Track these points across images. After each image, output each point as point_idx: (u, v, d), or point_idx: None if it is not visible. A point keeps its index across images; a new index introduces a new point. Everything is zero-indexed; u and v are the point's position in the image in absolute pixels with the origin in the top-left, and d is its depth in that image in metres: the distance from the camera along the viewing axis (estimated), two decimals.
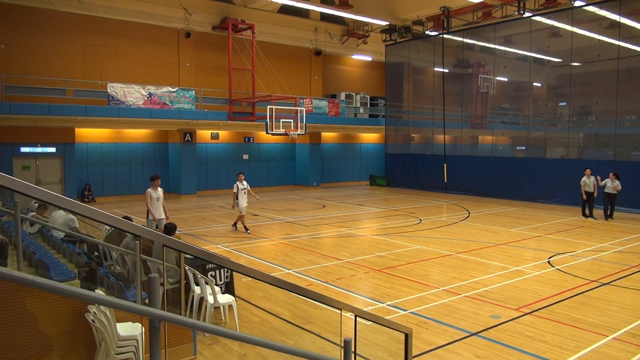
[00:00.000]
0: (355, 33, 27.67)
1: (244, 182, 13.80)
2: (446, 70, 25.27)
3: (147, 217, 11.03)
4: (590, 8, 19.70)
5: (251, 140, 25.77)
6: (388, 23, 26.04)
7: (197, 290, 6.80)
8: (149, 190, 10.93)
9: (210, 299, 6.57)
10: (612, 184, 15.88)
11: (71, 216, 8.94)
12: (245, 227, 14.02)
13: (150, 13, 21.29)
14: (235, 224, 14.36)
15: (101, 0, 19.89)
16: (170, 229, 7.57)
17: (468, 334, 6.53)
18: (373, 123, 28.84)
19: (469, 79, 25.78)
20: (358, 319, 4.23)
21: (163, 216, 11.03)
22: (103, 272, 5.94)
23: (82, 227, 9.47)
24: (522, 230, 14.47)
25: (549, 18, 21.04)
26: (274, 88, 22.98)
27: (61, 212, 9.09)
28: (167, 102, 20.76)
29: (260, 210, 18.44)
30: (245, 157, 25.74)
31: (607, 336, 6.45)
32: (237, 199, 13.55)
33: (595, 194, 16.26)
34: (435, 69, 25.90)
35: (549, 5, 21.70)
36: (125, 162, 22.09)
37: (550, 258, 10.87)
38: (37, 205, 10.05)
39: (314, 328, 6.79)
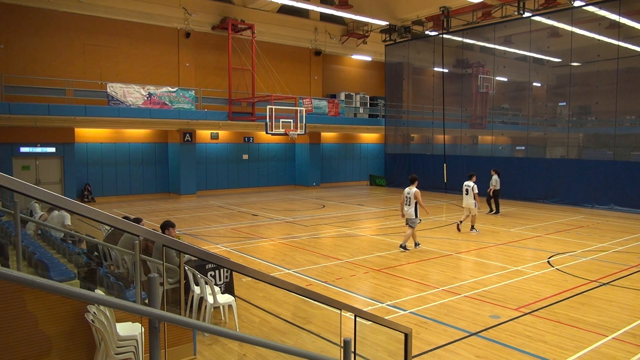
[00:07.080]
0: (355, 33, 27.67)
1: None
2: (446, 70, 25.25)
3: (416, 216, 11.46)
4: (590, 8, 19.69)
5: (251, 140, 25.77)
6: (388, 23, 26.03)
7: (196, 290, 6.80)
8: (417, 190, 11.42)
9: (210, 299, 6.56)
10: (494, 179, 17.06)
11: (65, 214, 8.96)
12: (473, 226, 13.97)
13: (149, 13, 21.28)
14: (459, 226, 14.12)
15: (101, 0, 19.89)
16: (164, 226, 7.35)
17: (468, 334, 6.53)
18: (373, 123, 28.83)
19: (469, 79, 25.77)
20: (358, 319, 4.23)
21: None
22: (102, 272, 5.94)
23: (81, 228, 9.48)
24: (522, 230, 14.47)
25: (548, 18, 21.03)
26: (274, 88, 22.98)
27: (56, 212, 9.13)
28: (167, 102, 20.74)
29: (260, 210, 18.45)
30: (245, 157, 25.75)
31: (607, 336, 6.45)
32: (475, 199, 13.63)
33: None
34: (435, 69, 25.89)
35: (549, 5, 21.69)
36: (125, 162, 22.08)
37: (549, 258, 10.88)
38: (37, 205, 10.07)
39: (313, 328, 6.79)
